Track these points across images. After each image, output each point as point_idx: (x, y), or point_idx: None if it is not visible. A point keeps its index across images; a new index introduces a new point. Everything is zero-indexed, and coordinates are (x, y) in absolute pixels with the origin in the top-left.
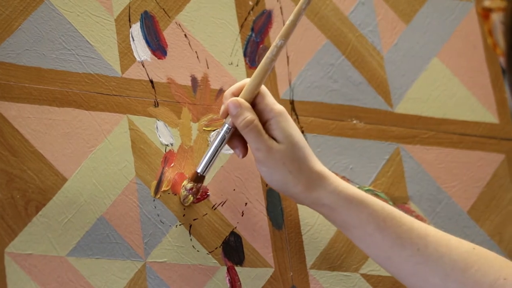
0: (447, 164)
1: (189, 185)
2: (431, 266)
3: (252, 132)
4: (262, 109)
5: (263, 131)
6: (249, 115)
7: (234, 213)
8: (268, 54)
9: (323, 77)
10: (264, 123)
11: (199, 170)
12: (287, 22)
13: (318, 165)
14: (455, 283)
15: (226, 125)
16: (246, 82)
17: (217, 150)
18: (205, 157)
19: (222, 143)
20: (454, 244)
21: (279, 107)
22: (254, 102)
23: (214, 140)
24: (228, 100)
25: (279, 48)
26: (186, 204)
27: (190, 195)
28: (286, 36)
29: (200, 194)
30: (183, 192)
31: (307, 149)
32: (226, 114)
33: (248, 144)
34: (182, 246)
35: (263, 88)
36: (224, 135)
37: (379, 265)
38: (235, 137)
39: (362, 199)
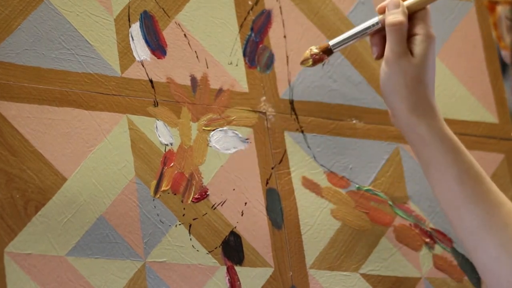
0: None
1: (316, 51)
2: (493, 232)
3: (396, 32)
4: (417, 24)
5: (405, 38)
6: (402, 17)
7: (234, 213)
8: None
9: (323, 76)
10: (412, 35)
11: (331, 43)
12: None
13: (433, 100)
14: (507, 254)
15: (377, 19)
16: None
17: (356, 34)
18: (343, 35)
19: (364, 30)
20: None
21: (431, 31)
22: (415, 15)
23: (359, 26)
24: None
25: None
26: (303, 65)
27: (311, 60)
28: None
29: (199, 194)
30: (306, 54)
31: (432, 79)
32: (383, 10)
33: (387, 41)
34: (181, 245)
35: (428, 9)
36: (370, 25)
37: (444, 211)
38: (378, 35)
39: (456, 144)
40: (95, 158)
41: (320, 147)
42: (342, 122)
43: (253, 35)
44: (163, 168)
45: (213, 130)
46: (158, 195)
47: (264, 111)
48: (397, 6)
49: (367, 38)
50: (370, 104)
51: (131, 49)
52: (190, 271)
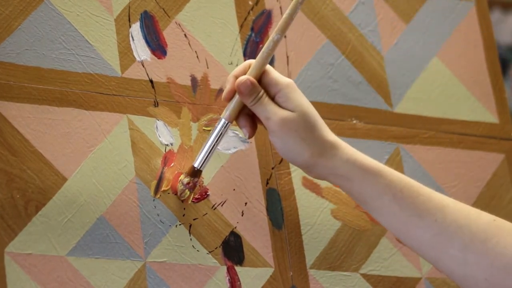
0: (447, 164)
1: (186, 180)
2: (449, 238)
3: (262, 104)
4: (268, 84)
5: (272, 103)
6: (260, 90)
7: (234, 213)
8: (264, 48)
9: (323, 77)
10: (273, 97)
11: (195, 165)
12: (284, 16)
13: (331, 135)
14: (475, 254)
15: (223, 120)
16: (249, 62)
17: (213, 145)
18: (202, 151)
19: (218, 137)
20: (474, 215)
21: (286, 79)
22: (260, 79)
23: (211, 134)
24: (237, 80)
25: (276, 43)
26: (183, 199)
27: (187, 190)
28: (283, 31)
29: (199, 194)
30: (180, 187)
31: (318, 118)
32: (231, 95)
33: (259, 117)
34: (182, 246)
35: (267, 66)
36: (221, 129)
37: (398, 237)
38: (243, 116)
39: (379, 169)
40: (95, 158)
41: None
42: (342, 122)
43: (253, 35)
44: (163, 168)
45: None
46: (159, 195)
47: None
48: (249, 84)
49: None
50: (370, 104)
51: (131, 49)
52: (190, 271)
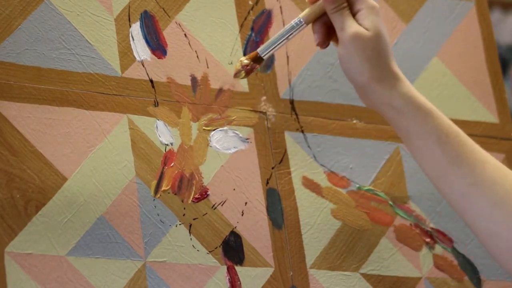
0: None
1: (246, 61)
2: (483, 190)
3: (342, 15)
4: (355, 1)
5: (351, 16)
6: (342, 1)
7: (234, 213)
8: None
9: (323, 76)
10: (354, 14)
11: (259, 51)
12: None
13: (395, 66)
14: (503, 212)
15: (300, 18)
16: None
17: (282, 39)
18: (269, 40)
19: (289, 33)
20: (511, 176)
21: (372, 1)
22: None
23: (283, 29)
24: None
25: None
26: (237, 78)
27: (243, 71)
28: None
29: (199, 194)
30: (237, 66)
31: (389, 47)
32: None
33: (335, 27)
34: (182, 245)
35: None
36: (294, 26)
37: (431, 180)
38: (320, 23)
39: (431, 110)
40: (95, 158)
41: (321, 147)
42: (343, 122)
43: (253, 35)
44: (163, 168)
45: (214, 130)
46: (159, 195)
47: (264, 111)
48: None
49: None
50: None
51: (131, 49)
52: (190, 271)
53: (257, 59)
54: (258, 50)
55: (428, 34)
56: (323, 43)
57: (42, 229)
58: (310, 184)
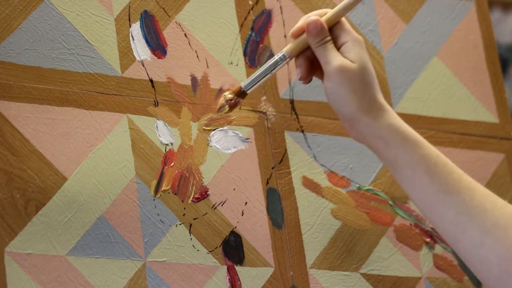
0: None
1: (230, 96)
2: (472, 219)
3: (326, 48)
4: (339, 34)
5: (336, 49)
6: (327, 35)
7: (234, 213)
8: (346, 1)
9: None
10: (339, 47)
11: (243, 86)
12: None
13: (382, 98)
14: (493, 239)
15: (284, 53)
16: (325, 10)
17: (266, 73)
18: (253, 75)
19: (273, 68)
20: (500, 203)
21: (357, 35)
22: (334, 28)
23: (267, 62)
24: (308, 19)
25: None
26: (220, 113)
27: (227, 106)
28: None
29: (199, 194)
30: (221, 101)
31: (375, 79)
32: (299, 34)
33: (320, 60)
34: (182, 245)
35: (343, 20)
36: (278, 61)
37: (421, 210)
38: (303, 57)
39: (418, 140)
40: (95, 158)
41: (321, 147)
42: None
43: (253, 34)
44: (163, 168)
45: (214, 129)
46: (159, 195)
47: (264, 110)
48: (318, 25)
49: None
50: None
51: (131, 49)
52: (190, 270)
53: (241, 94)
54: (242, 84)
55: (428, 33)
56: (306, 78)
57: (42, 229)
58: (310, 184)
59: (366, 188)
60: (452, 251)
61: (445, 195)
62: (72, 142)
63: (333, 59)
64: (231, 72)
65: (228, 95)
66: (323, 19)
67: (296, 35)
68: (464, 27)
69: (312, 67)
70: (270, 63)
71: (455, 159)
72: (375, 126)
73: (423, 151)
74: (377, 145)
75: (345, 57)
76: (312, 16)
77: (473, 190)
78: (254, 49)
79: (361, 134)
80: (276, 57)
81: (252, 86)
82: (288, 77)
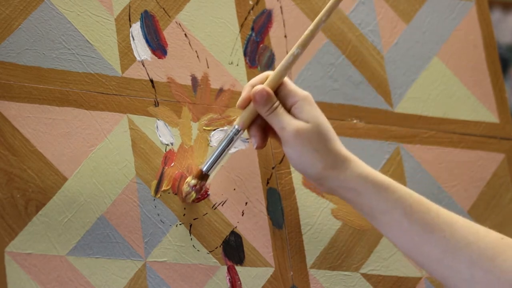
0: (447, 164)
1: (193, 182)
2: (457, 253)
3: (277, 115)
4: (285, 95)
5: (287, 114)
6: (275, 101)
7: (235, 213)
8: (283, 61)
9: (323, 76)
10: (289, 109)
11: (204, 169)
12: (306, 32)
13: (343, 149)
14: (482, 271)
15: (236, 127)
16: (266, 74)
17: (223, 151)
18: (212, 156)
19: (229, 144)
20: (482, 232)
21: (303, 92)
22: (276, 91)
23: (222, 140)
24: (253, 89)
25: (296, 57)
26: (188, 201)
27: (193, 192)
28: (304, 46)
29: (201, 194)
30: (186, 188)
31: (332, 131)
32: (246, 104)
33: (274, 128)
34: (182, 245)
35: (285, 78)
36: (232, 136)
37: (406, 254)
38: (255, 126)
39: (389, 184)
40: (95, 158)
41: None
42: (343, 122)
43: (253, 34)
44: (163, 168)
45: (214, 129)
46: (159, 195)
47: None
48: (264, 94)
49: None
50: (371, 104)
51: (131, 49)
52: (190, 271)
53: (203, 177)
54: (201, 167)
55: (428, 33)
56: (262, 145)
57: (42, 229)
58: (310, 184)
59: None
60: None
61: (426, 234)
62: (72, 142)
63: (287, 125)
64: (231, 72)
65: (191, 181)
66: (267, 84)
67: (244, 106)
68: (464, 27)
69: (265, 133)
70: (226, 141)
71: (455, 159)
72: (343, 179)
73: (396, 194)
74: (349, 197)
75: (297, 118)
76: (257, 85)
77: (452, 225)
78: (254, 49)
79: (331, 189)
80: (230, 133)
81: (212, 168)
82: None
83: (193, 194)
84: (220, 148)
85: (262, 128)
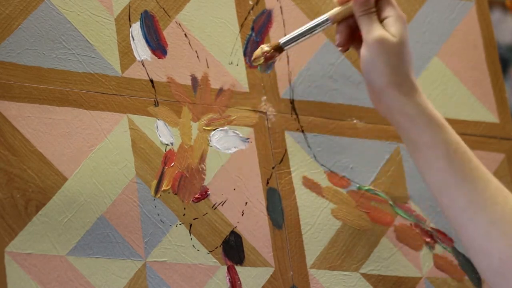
0: None
1: (267, 48)
2: (482, 208)
3: (370, 18)
4: (383, 8)
5: (378, 21)
6: (372, 5)
7: (234, 213)
8: None
9: (323, 76)
10: (382, 20)
11: (281, 41)
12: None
13: (414, 78)
14: (499, 232)
15: (326, 17)
16: None
17: (306, 33)
18: (293, 33)
19: (313, 28)
20: (511, 199)
21: (401, 12)
22: (377, 1)
23: (309, 24)
24: None
25: None
26: (254, 64)
27: (263, 57)
28: None
29: (200, 193)
30: (258, 52)
31: (412, 58)
32: (345, 0)
33: (361, 29)
34: (182, 245)
35: None
36: (320, 23)
37: (433, 192)
38: (344, 25)
39: (443, 124)
40: (95, 158)
41: (321, 147)
42: (343, 122)
43: (253, 34)
44: (163, 168)
45: (214, 129)
46: (159, 195)
47: (264, 110)
48: None
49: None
50: (371, 104)
51: (131, 49)
52: (190, 270)
53: (278, 49)
54: (280, 40)
55: (428, 33)
56: (344, 45)
57: (42, 229)
58: (310, 184)
59: (366, 188)
60: (452, 250)
61: (460, 181)
62: (72, 142)
63: (375, 30)
64: (231, 72)
65: (266, 47)
66: None
67: (342, 1)
68: (464, 27)
69: (352, 36)
70: (312, 24)
71: None
72: (403, 102)
73: (445, 135)
74: (401, 122)
75: (386, 30)
76: None
77: (487, 182)
78: (254, 49)
79: (387, 108)
80: (318, 20)
81: (290, 44)
82: (288, 77)
83: (261, 59)
84: (303, 29)
85: (351, 29)
